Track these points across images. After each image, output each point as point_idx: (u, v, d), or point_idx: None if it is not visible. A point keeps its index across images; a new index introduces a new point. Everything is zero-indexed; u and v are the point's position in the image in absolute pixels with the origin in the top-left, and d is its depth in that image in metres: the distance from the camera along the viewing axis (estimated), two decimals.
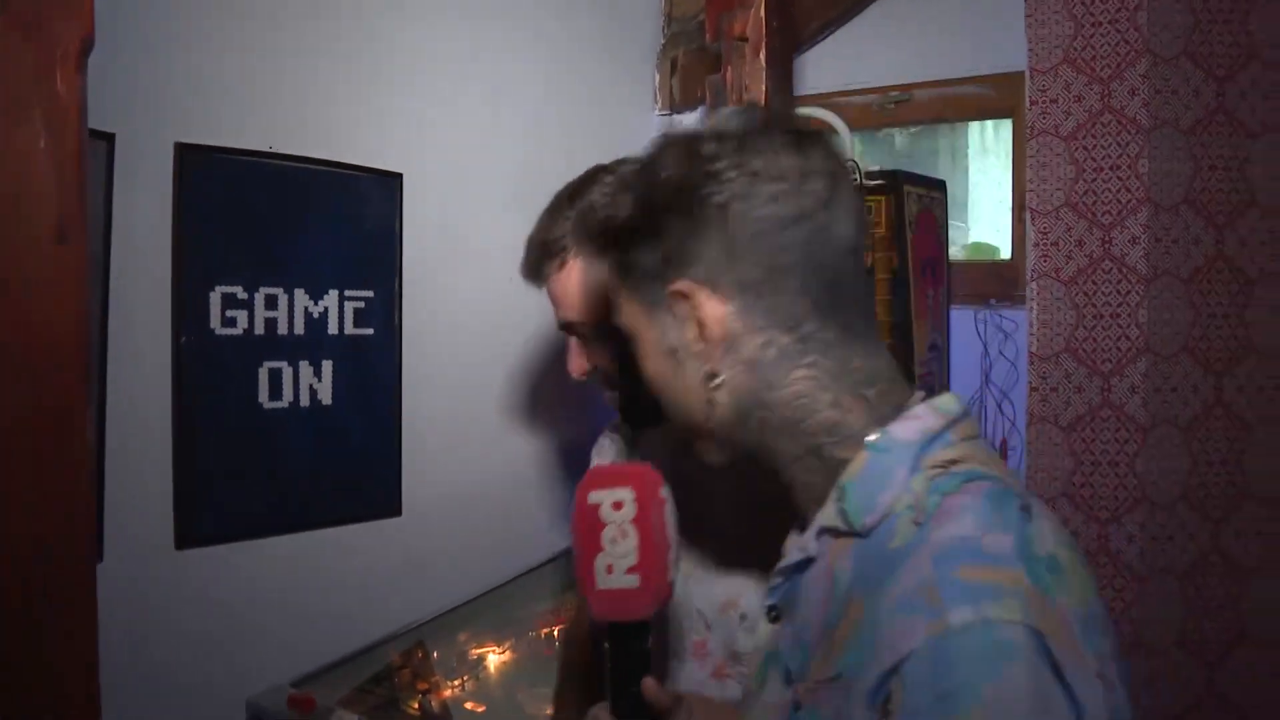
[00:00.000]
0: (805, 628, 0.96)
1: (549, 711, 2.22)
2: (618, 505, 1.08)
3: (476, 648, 2.47)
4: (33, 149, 0.85)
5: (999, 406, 3.09)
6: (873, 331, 1.02)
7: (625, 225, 1.03)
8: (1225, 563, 2.86)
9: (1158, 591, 2.84)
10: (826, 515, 0.96)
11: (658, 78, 3.57)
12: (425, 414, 2.73)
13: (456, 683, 2.35)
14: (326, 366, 2.48)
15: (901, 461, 0.93)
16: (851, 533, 0.94)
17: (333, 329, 2.48)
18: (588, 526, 1.10)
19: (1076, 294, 2.91)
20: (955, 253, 3.38)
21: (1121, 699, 0.82)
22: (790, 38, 2.15)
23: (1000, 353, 3.11)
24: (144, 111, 2.15)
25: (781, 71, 2.11)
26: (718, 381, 0.99)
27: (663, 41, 3.56)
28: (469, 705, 2.29)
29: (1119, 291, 2.86)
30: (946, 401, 0.98)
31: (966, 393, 3.13)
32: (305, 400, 2.44)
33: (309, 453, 2.46)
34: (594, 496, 1.10)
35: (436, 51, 2.77)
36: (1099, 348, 2.89)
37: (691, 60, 3.52)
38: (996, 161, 3.63)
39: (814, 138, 1.00)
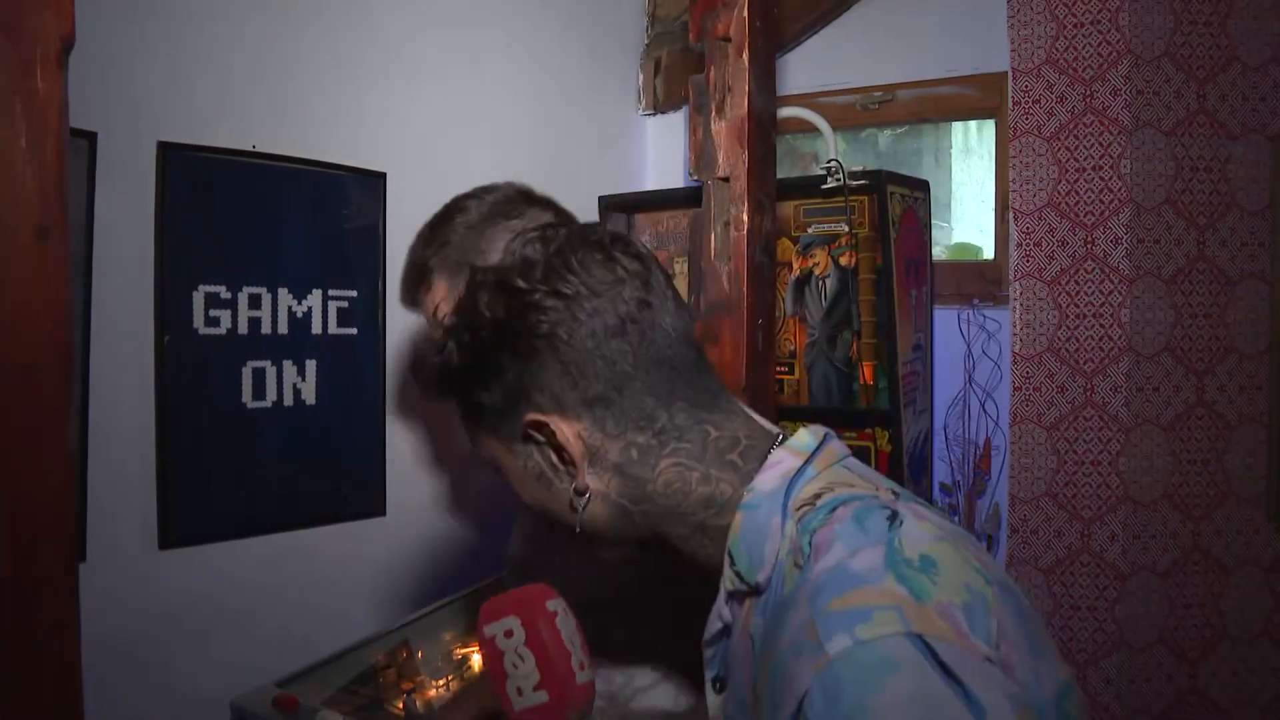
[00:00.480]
0: (742, 692, 0.99)
1: None
2: (509, 634, 1.14)
3: (461, 647, 2.47)
4: (13, 148, 0.84)
5: (982, 406, 3.10)
6: (725, 399, 1.06)
7: (461, 372, 1.06)
8: (1206, 561, 2.87)
9: (1140, 590, 2.85)
10: (727, 579, 0.99)
11: (641, 78, 3.58)
12: (409, 413, 2.73)
13: (441, 682, 2.34)
14: (310, 366, 2.47)
15: (773, 511, 0.96)
16: (752, 591, 0.97)
17: (316, 329, 2.48)
18: (491, 658, 1.15)
19: (1059, 294, 2.93)
20: (938, 253, 3.39)
21: (1029, 670, 0.84)
22: (774, 38, 2.15)
23: (984, 352, 3.12)
24: (126, 110, 2.14)
25: (765, 71, 2.11)
26: (586, 497, 1.04)
27: (646, 42, 3.57)
28: None
29: (1101, 292, 2.87)
30: (800, 438, 1.02)
31: (950, 393, 3.15)
32: (289, 400, 2.44)
33: (293, 453, 2.45)
34: (488, 630, 1.16)
35: (420, 51, 2.77)
36: (1082, 348, 2.91)
37: (675, 60, 3.52)
38: (979, 162, 3.64)
39: (615, 242, 1.05)
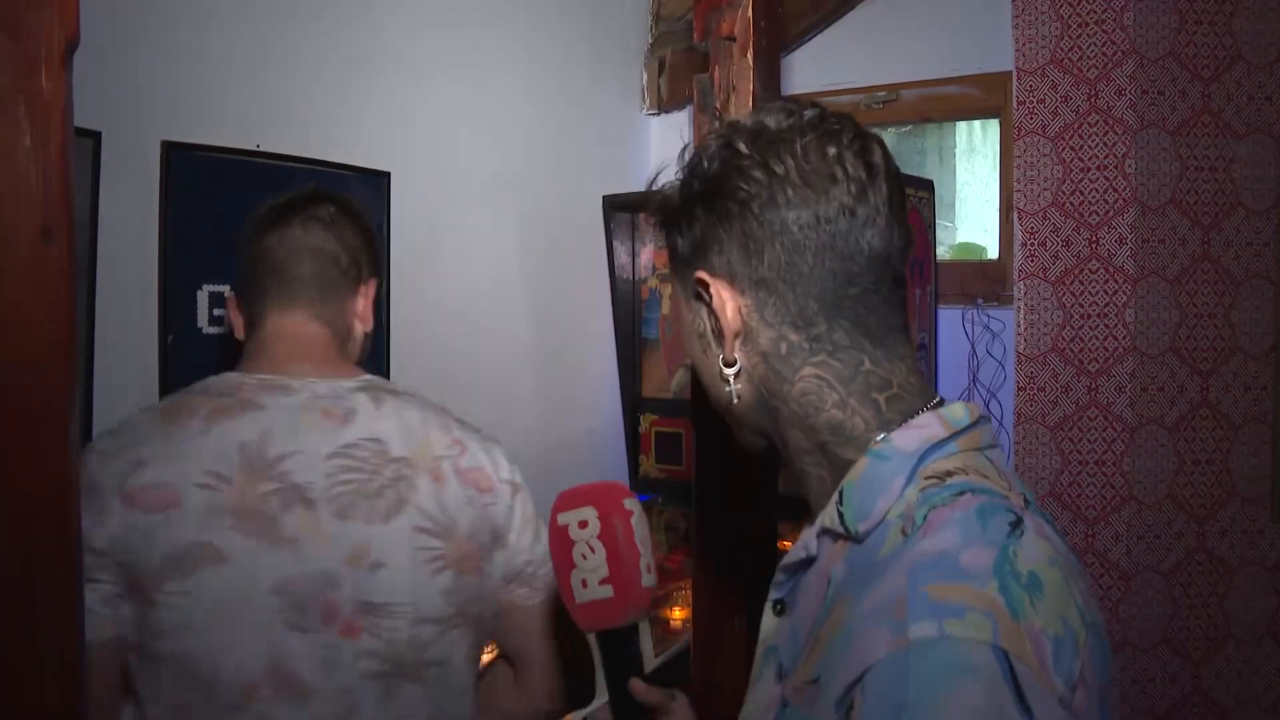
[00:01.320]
0: (800, 626, 0.96)
1: None
2: (583, 524, 1.15)
3: None
4: (17, 147, 0.84)
5: (986, 406, 3.10)
6: (897, 340, 1.01)
7: (670, 211, 1.06)
8: (1210, 561, 2.87)
9: (1144, 590, 2.85)
10: (827, 516, 0.96)
11: (645, 77, 3.58)
12: None
13: None
14: None
15: (900, 470, 0.92)
16: (848, 536, 0.93)
17: None
18: (560, 547, 1.16)
19: (1064, 294, 2.92)
20: (942, 252, 3.39)
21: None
22: (778, 37, 2.15)
23: (988, 352, 3.12)
24: (130, 109, 2.14)
25: (769, 71, 2.11)
26: (734, 370, 1.01)
27: (650, 41, 3.57)
28: None
29: (1106, 291, 2.87)
30: (955, 411, 0.97)
31: (954, 392, 3.14)
32: None
33: None
34: (562, 519, 1.16)
35: (424, 51, 2.77)
36: (1086, 348, 2.90)
37: (679, 59, 3.52)
38: (984, 161, 3.64)
39: (857, 141, 0.99)
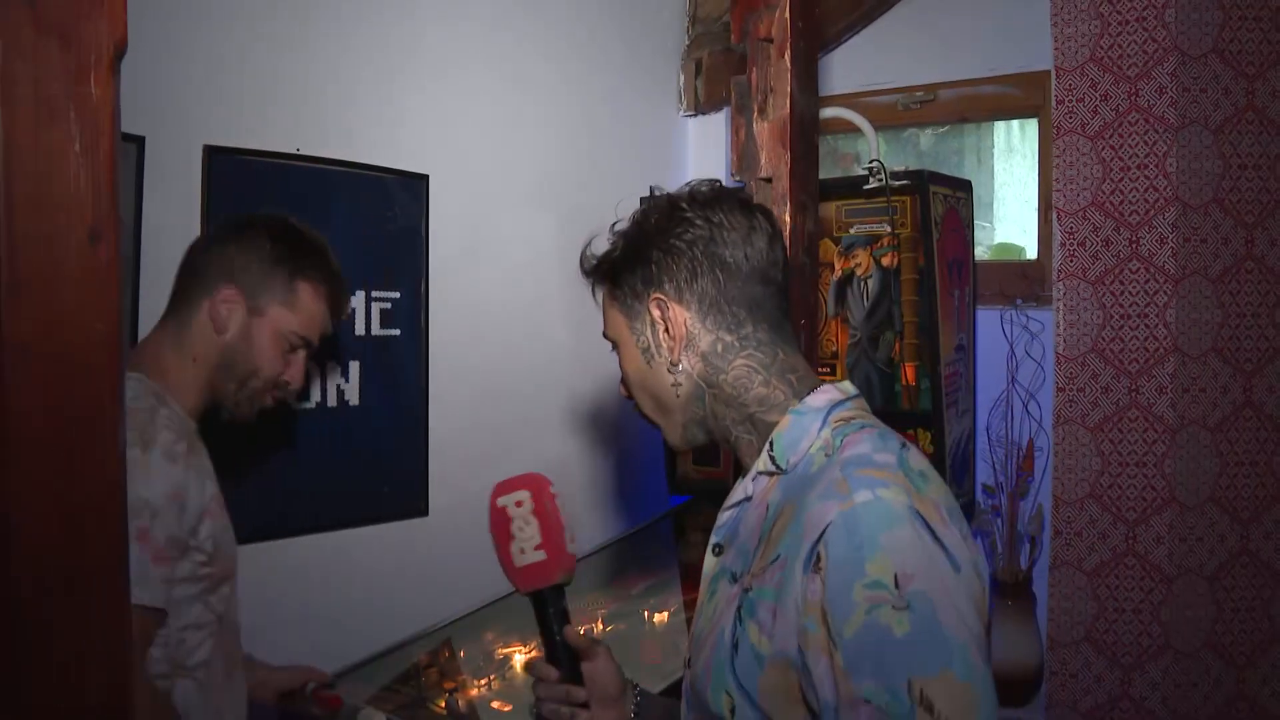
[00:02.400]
0: (745, 545, 1.29)
1: None
2: (519, 504, 1.45)
3: (503, 647, 2.48)
4: (67, 152, 0.86)
5: (1025, 407, 3.08)
6: (792, 341, 1.39)
7: (619, 259, 1.41)
8: (1255, 564, 2.84)
9: (1186, 593, 2.82)
10: (761, 463, 1.31)
11: (682, 78, 3.58)
12: (451, 414, 2.74)
13: (483, 682, 2.35)
14: (353, 367, 2.49)
15: (815, 420, 1.30)
16: (779, 471, 1.29)
17: (359, 330, 2.50)
18: (500, 525, 1.47)
19: (1104, 294, 2.90)
20: (981, 253, 3.36)
21: (980, 557, 1.21)
22: (815, 38, 2.14)
23: (1027, 353, 3.09)
24: (173, 115, 2.17)
25: (806, 72, 2.10)
26: (680, 368, 1.36)
27: (687, 43, 3.57)
28: (495, 704, 2.29)
29: (1146, 291, 2.84)
30: (845, 384, 1.37)
31: (993, 394, 3.12)
32: (332, 401, 2.46)
33: (335, 453, 2.48)
34: (500, 500, 1.47)
35: (463, 54, 2.79)
36: (1126, 348, 2.88)
37: (716, 61, 3.52)
38: (1022, 161, 3.61)
39: (758, 207, 1.40)
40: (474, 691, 2.32)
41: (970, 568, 1.15)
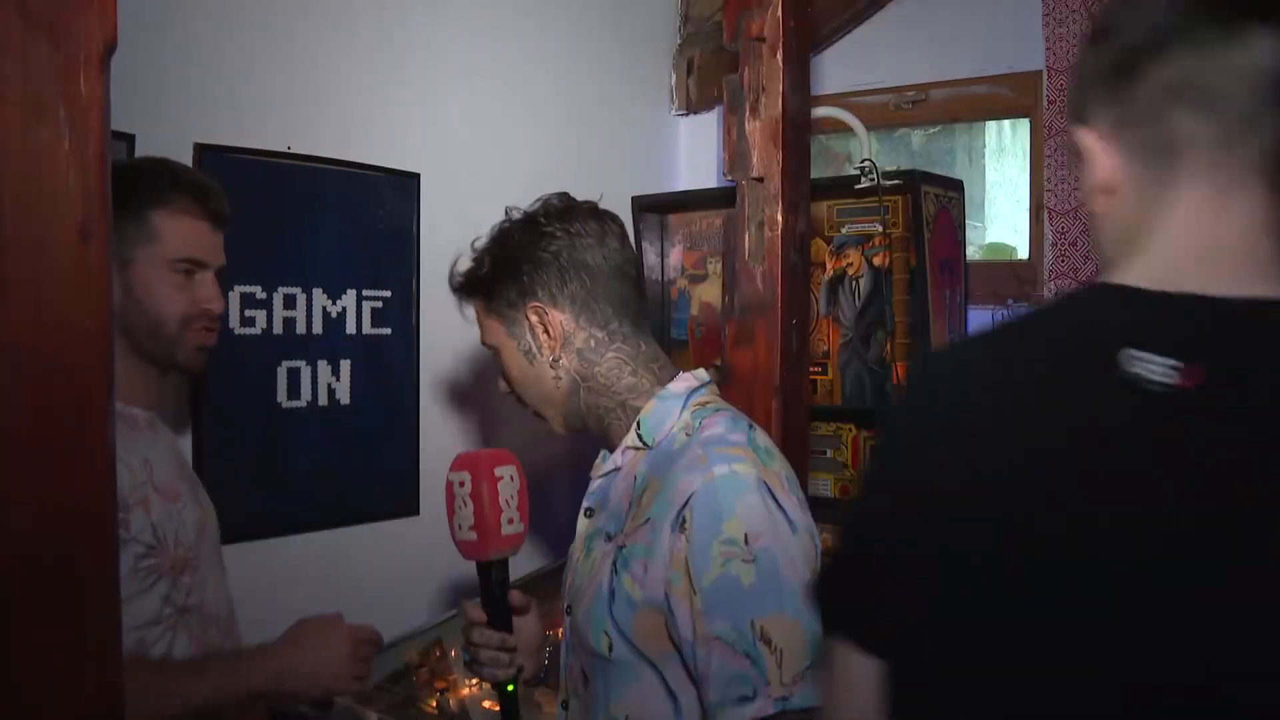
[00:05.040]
0: (617, 508, 1.50)
1: None
2: (461, 484, 1.53)
3: None
4: (56, 150, 0.85)
5: None
6: (649, 333, 1.59)
7: (489, 275, 1.58)
8: None
9: None
10: (629, 439, 1.52)
11: (674, 77, 3.57)
12: (443, 413, 2.74)
13: (474, 681, 2.35)
14: (345, 366, 2.49)
15: (677, 404, 1.51)
16: (645, 447, 1.50)
17: (351, 329, 2.50)
18: (449, 497, 1.56)
19: None
20: (972, 253, 3.37)
21: (812, 522, 1.43)
22: (807, 38, 2.14)
23: None
24: (163, 112, 2.16)
25: (799, 71, 2.11)
26: (560, 365, 1.55)
27: (679, 42, 3.57)
28: (486, 704, 2.29)
29: None
30: (699, 372, 1.57)
31: None
32: (323, 400, 2.45)
33: (327, 452, 2.47)
34: (450, 476, 1.56)
35: (454, 53, 2.78)
36: None
37: (708, 60, 3.52)
38: (1013, 161, 3.62)
39: (605, 213, 1.59)
40: (465, 691, 2.32)
41: (804, 530, 1.39)
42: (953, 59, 3.25)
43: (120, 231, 1.64)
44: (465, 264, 1.63)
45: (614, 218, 1.60)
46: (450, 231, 2.74)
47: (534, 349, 1.56)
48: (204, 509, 1.82)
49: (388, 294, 2.58)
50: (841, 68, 3.39)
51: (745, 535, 1.32)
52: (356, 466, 2.54)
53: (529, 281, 1.53)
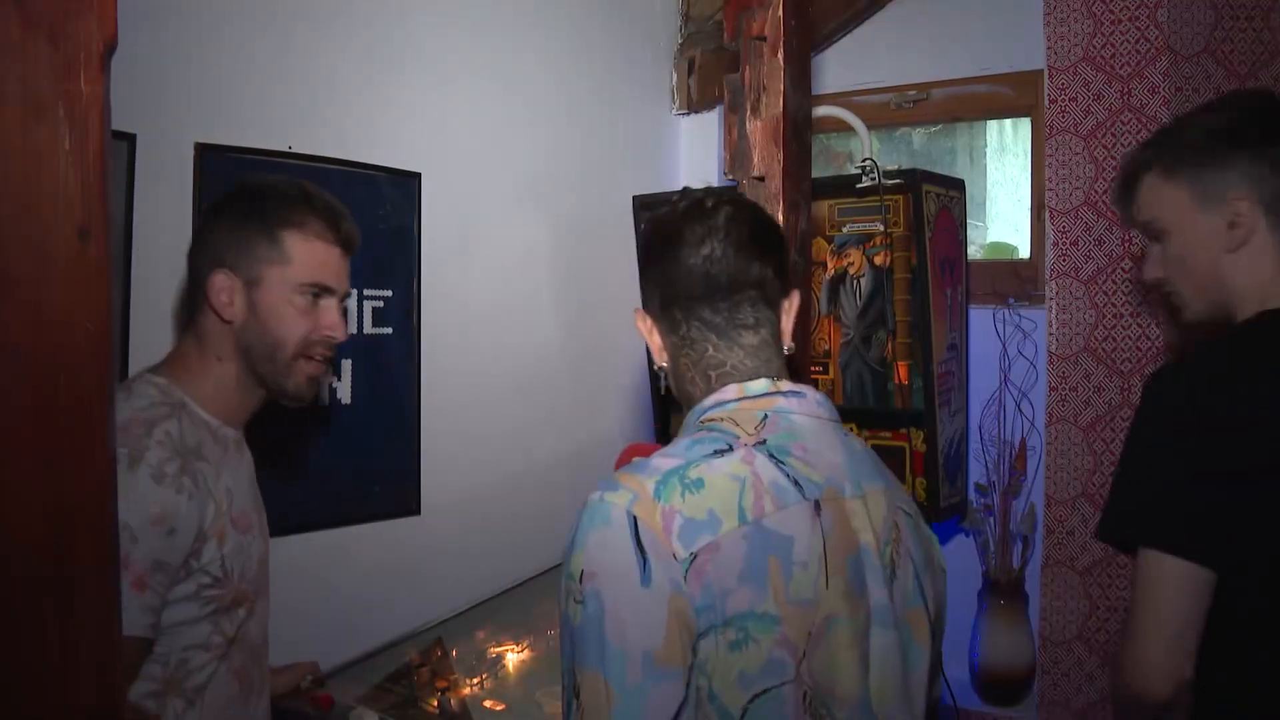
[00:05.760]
0: None
1: None
2: None
3: (495, 646, 2.48)
4: (56, 149, 0.85)
5: (1018, 406, 3.08)
6: (733, 332, 1.43)
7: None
8: None
9: None
10: None
11: (675, 77, 3.57)
12: (444, 413, 2.74)
13: (475, 681, 2.35)
14: (345, 366, 2.49)
15: (694, 418, 1.40)
16: None
17: (351, 328, 2.49)
18: None
19: (1096, 293, 2.90)
20: (973, 252, 3.37)
21: (719, 585, 1.19)
22: (808, 37, 2.14)
23: (1019, 352, 3.10)
24: (164, 112, 2.16)
25: (799, 70, 2.10)
26: (659, 366, 1.50)
27: (680, 41, 3.57)
28: (488, 704, 2.29)
29: (1139, 291, 2.84)
30: (753, 385, 1.39)
31: (986, 393, 3.13)
32: (324, 399, 2.45)
33: (328, 452, 2.47)
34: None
35: (456, 52, 2.78)
36: (1119, 347, 2.88)
37: (709, 59, 3.52)
38: (1015, 160, 3.62)
39: (716, 208, 1.45)
40: (466, 691, 2.31)
41: (665, 585, 1.17)
42: (954, 58, 3.25)
43: (251, 250, 1.66)
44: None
45: (718, 208, 1.48)
46: (451, 231, 2.76)
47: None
48: (265, 540, 1.81)
49: (389, 294, 2.58)
50: (842, 67, 3.39)
51: (581, 572, 1.20)
52: (357, 466, 2.54)
53: (643, 284, 1.51)
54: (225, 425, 1.70)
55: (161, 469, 1.53)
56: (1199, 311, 1.73)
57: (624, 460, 1.61)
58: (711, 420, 1.36)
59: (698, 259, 1.42)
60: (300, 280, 1.68)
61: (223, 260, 1.67)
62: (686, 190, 1.52)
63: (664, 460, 1.28)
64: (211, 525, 1.60)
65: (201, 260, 1.70)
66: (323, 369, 1.75)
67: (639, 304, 1.53)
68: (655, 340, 1.48)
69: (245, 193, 1.73)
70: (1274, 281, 1.63)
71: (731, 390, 1.39)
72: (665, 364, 1.48)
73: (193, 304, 1.72)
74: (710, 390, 1.41)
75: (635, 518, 1.20)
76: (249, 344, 1.67)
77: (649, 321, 1.49)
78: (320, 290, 1.71)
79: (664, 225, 1.47)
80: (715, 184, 3.41)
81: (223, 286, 1.66)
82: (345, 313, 1.78)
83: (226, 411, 1.70)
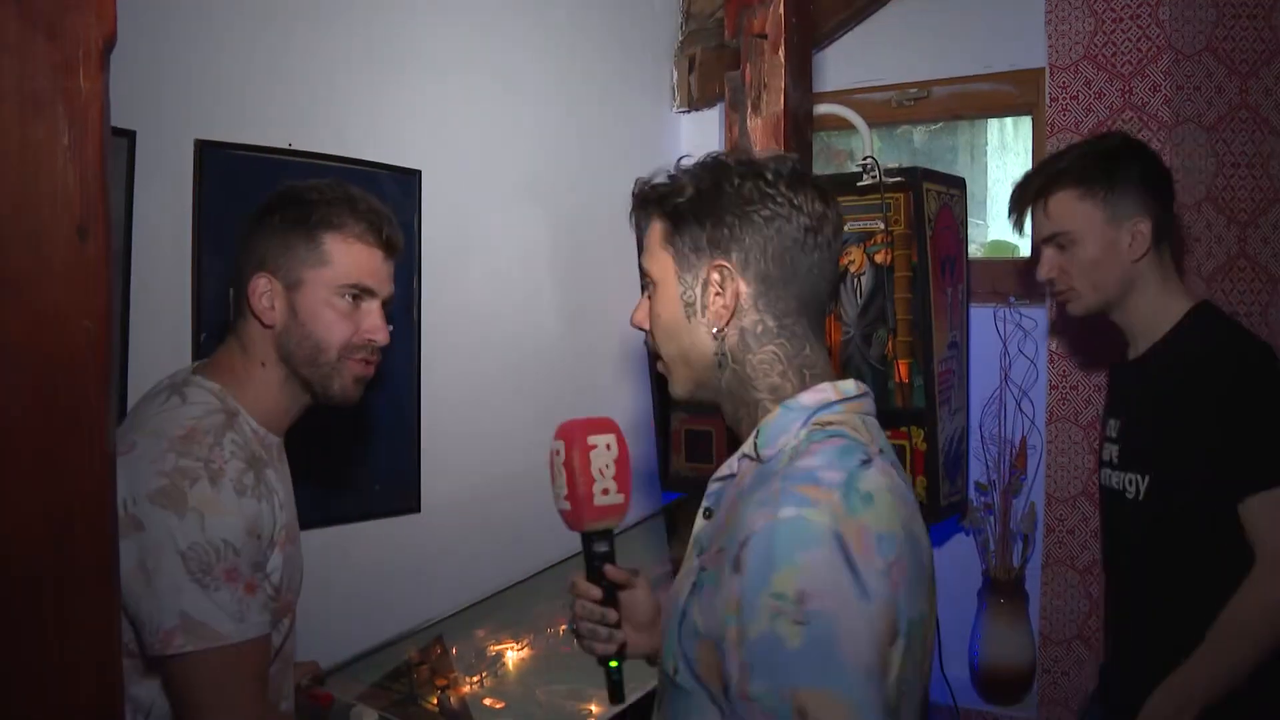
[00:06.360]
0: (720, 519, 1.36)
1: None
2: (557, 452, 1.52)
3: (495, 644, 2.48)
4: (55, 146, 0.85)
5: (1018, 404, 3.08)
6: (819, 335, 1.41)
7: (687, 204, 1.37)
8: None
9: None
10: (746, 446, 1.36)
11: (675, 74, 3.57)
12: (444, 410, 2.74)
13: (475, 679, 2.35)
14: None
15: (799, 418, 1.32)
16: (757, 459, 1.33)
17: None
18: (549, 465, 1.54)
19: None
20: (974, 250, 3.36)
21: (905, 592, 1.21)
22: (809, 34, 2.14)
23: (1020, 350, 3.09)
24: (164, 109, 2.16)
25: (800, 68, 2.10)
26: (719, 336, 1.37)
27: (680, 39, 3.56)
28: (487, 701, 2.29)
29: None
30: (847, 384, 1.37)
31: (986, 391, 3.12)
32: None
33: (329, 449, 2.46)
34: (552, 445, 1.53)
35: (456, 50, 2.78)
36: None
37: (709, 57, 3.51)
38: (1016, 159, 3.61)
39: (833, 198, 1.39)
40: (465, 689, 2.31)
41: (880, 599, 1.17)
42: (955, 56, 3.25)
43: (293, 253, 1.64)
44: (661, 178, 1.43)
45: (837, 205, 1.41)
46: (451, 229, 2.75)
47: (699, 305, 1.38)
48: (300, 551, 1.80)
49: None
50: (843, 65, 3.39)
51: (799, 593, 1.15)
52: (358, 464, 2.54)
53: (728, 236, 1.34)
54: (270, 433, 1.69)
55: (241, 481, 1.53)
56: (1090, 307, 2.11)
57: (570, 436, 1.52)
58: (826, 423, 1.32)
59: (833, 253, 1.39)
60: (340, 282, 1.67)
61: (263, 263, 1.65)
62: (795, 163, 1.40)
63: (827, 472, 1.24)
64: (277, 535, 1.61)
65: (243, 264, 1.67)
66: (369, 371, 1.74)
67: (639, 293, 1.46)
68: (728, 303, 1.36)
69: (288, 196, 1.71)
70: (1164, 289, 2.09)
71: (829, 390, 1.35)
72: (729, 334, 1.37)
73: (236, 308, 1.69)
74: (803, 386, 1.35)
75: (839, 534, 1.17)
76: (290, 348, 1.66)
77: (736, 283, 1.35)
78: (361, 292, 1.70)
79: (804, 193, 1.36)
80: None
81: (263, 290, 1.64)
82: (390, 316, 1.77)
83: (270, 418, 1.68)
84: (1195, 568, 1.98)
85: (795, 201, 1.33)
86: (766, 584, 1.16)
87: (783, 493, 1.21)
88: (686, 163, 1.42)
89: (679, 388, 1.47)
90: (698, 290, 1.37)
